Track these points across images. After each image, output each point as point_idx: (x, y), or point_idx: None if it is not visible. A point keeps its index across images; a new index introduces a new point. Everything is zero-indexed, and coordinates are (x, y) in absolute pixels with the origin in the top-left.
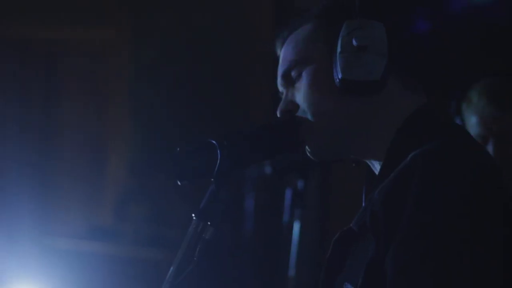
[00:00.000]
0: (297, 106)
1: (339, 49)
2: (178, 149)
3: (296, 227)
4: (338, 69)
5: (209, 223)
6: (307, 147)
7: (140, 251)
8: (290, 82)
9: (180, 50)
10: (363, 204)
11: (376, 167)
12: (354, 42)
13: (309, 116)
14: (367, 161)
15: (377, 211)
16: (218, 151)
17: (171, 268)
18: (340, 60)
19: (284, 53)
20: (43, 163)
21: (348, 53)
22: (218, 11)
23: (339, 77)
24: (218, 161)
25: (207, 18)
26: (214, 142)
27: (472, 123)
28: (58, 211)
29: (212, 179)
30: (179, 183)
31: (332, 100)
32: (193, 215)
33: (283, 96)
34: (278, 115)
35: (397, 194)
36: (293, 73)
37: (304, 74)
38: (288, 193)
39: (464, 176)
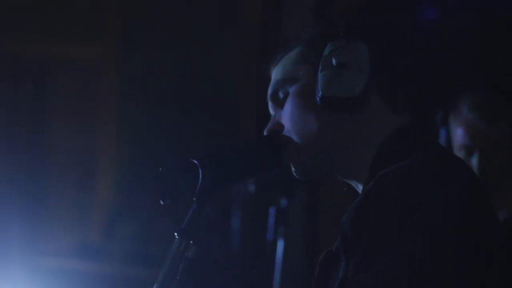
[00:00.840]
0: (282, 126)
1: (320, 68)
2: (161, 168)
3: (280, 245)
4: (319, 87)
5: (191, 241)
6: (291, 166)
7: (127, 269)
8: (278, 103)
9: (167, 68)
10: None
11: (360, 188)
12: (334, 61)
13: (293, 135)
14: (351, 183)
15: (346, 230)
16: (200, 170)
17: (154, 287)
18: (320, 79)
19: (273, 75)
20: (30, 182)
21: (328, 71)
22: (206, 29)
23: (320, 94)
24: (200, 180)
25: (194, 36)
26: (195, 161)
27: (458, 134)
28: (45, 229)
29: (194, 198)
30: (161, 202)
31: (315, 118)
32: (175, 233)
33: (271, 118)
34: (265, 132)
35: (365, 211)
36: (280, 93)
37: (289, 94)
38: (271, 211)
39: (441, 191)
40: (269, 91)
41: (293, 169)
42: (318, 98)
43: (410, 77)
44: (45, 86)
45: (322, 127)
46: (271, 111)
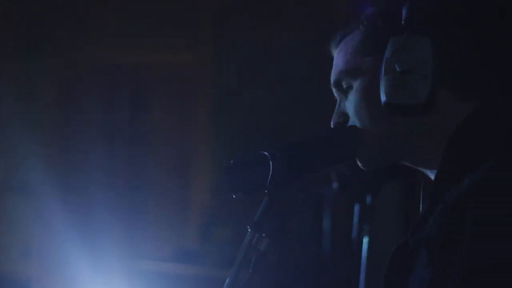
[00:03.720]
0: (348, 117)
1: (382, 72)
2: (232, 161)
3: (365, 242)
4: (383, 91)
5: (263, 235)
6: (357, 158)
7: (225, 272)
8: (342, 91)
9: (262, 71)
10: (421, 214)
11: (430, 174)
12: (397, 67)
13: (359, 129)
14: (420, 169)
15: (434, 238)
16: (271, 163)
17: (227, 280)
18: (384, 83)
19: (336, 61)
20: (129, 188)
21: (391, 76)
22: (302, 32)
23: (384, 99)
24: (271, 173)
25: (290, 39)
26: (266, 153)
27: None
28: (143, 234)
29: (266, 191)
30: (233, 196)
31: (381, 118)
32: (248, 227)
33: (336, 106)
34: (332, 126)
35: (454, 223)
36: (343, 83)
37: (353, 88)
38: (356, 209)
39: None
40: (332, 78)
41: (358, 160)
42: (382, 103)
43: (477, 64)
44: (143, 92)
45: (388, 126)
46: (336, 96)
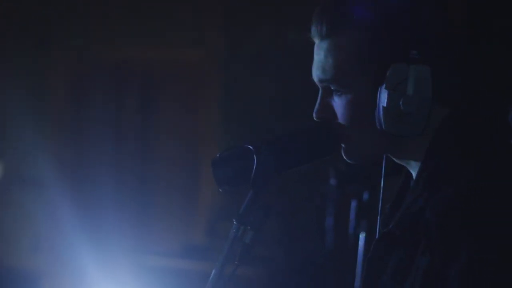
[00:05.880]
0: (335, 115)
1: (384, 103)
2: (218, 154)
3: (362, 238)
4: (381, 119)
5: (249, 227)
6: (342, 153)
7: (232, 267)
8: (326, 88)
9: (271, 67)
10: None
11: (411, 169)
12: (401, 106)
13: (348, 128)
14: (403, 163)
15: (433, 227)
16: (255, 156)
17: (213, 272)
18: (383, 115)
19: (322, 60)
20: (137, 184)
21: (393, 111)
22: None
23: (382, 128)
24: (255, 166)
25: (298, 34)
26: (250, 147)
27: None
28: (151, 229)
29: (251, 184)
30: (220, 189)
31: (372, 130)
32: (233, 220)
33: (319, 97)
34: (315, 118)
35: (455, 213)
36: (331, 86)
37: (343, 100)
38: (353, 205)
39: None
40: (317, 76)
41: (343, 155)
42: (379, 127)
43: (458, 75)
44: (152, 88)
45: (378, 138)
46: (318, 86)
